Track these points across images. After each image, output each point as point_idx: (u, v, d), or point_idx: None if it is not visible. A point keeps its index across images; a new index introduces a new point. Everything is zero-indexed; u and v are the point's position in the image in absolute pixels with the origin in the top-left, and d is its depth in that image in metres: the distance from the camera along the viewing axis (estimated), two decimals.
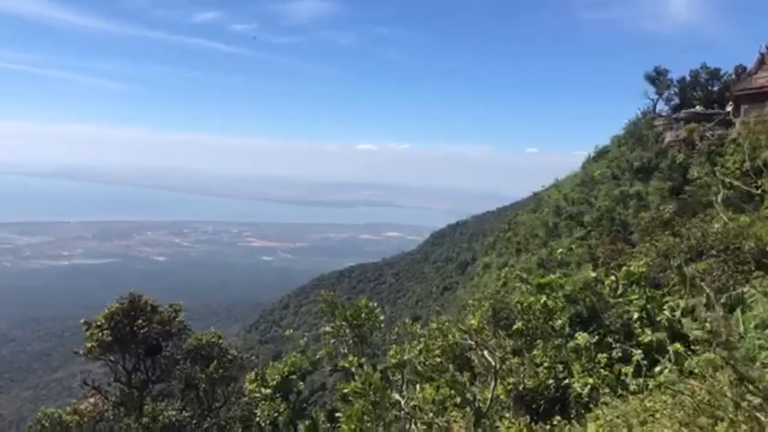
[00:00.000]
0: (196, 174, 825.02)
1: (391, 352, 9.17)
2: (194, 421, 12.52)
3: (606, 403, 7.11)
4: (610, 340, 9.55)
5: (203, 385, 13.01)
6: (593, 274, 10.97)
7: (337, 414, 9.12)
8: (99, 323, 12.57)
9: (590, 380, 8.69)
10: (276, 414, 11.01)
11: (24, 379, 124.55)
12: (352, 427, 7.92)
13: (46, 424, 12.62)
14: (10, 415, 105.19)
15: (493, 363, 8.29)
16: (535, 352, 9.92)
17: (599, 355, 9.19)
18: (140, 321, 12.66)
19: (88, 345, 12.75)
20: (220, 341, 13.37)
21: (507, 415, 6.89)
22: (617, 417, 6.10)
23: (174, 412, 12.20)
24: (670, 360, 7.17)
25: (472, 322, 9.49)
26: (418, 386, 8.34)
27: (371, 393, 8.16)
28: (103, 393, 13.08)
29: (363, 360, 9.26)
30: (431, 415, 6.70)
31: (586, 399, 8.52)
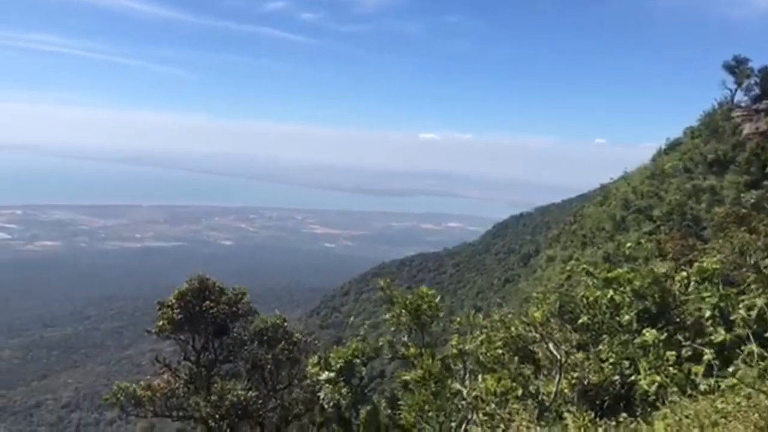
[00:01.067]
0: (263, 161, 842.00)
1: (453, 342, 9.18)
2: (260, 401, 12.91)
3: (674, 402, 6.93)
4: (679, 337, 9.26)
5: (268, 367, 13.40)
6: (663, 270, 10.64)
7: (399, 402, 9.23)
8: (170, 303, 13.10)
9: (658, 378, 8.46)
10: (338, 397, 11.22)
11: (98, 354, 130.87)
12: (413, 415, 8.02)
13: (121, 398, 13.25)
14: (84, 389, 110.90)
15: (558, 356, 8.19)
16: (600, 347, 9.73)
17: (668, 353, 8.92)
18: (208, 302, 13.11)
19: (160, 323, 13.29)
20: (285, 324, 13.71)
21: (571, 409, 6.80)
22: (686, 417, 5.94)
23: (240, 392, 12.62)
24: (744, 361, 6.91)
25: (536, 314, 9.39)
26: (479, 377, 8.33)
27: (432, 382, 8.22)
28: (173, 371, 13.63)
29: (423, 349, 9.31)
30: (493, 406, 6.70)
31: (653, 397, 8.30)
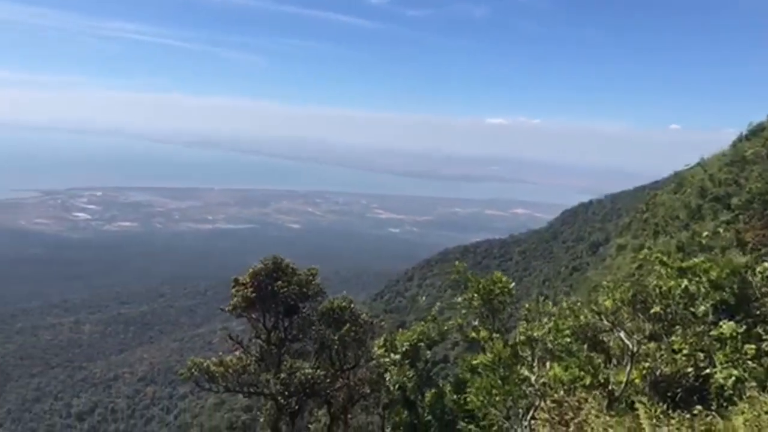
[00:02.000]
0: (329, 146, 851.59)
1: (521, 329, 9.14)
2: (327, 381, 13.22)
3: (753, 398, 6.69)
4: (759, 330, 8.91)
5: (335, 347, 13.68)
6: (743, 260, 10.23)
7: (465, 386, 9.26)
8: (244, 281, 13.53)
9: (735, 372, 8.18)
10: (404, 380, 11.36)
11: (171, 331, 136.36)
12: (480, 399, 8.04)
13: (195, 373, 13.80)
14: (159, 363, 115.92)
15: (629, 346, 8.04)
16: (673, 338, 9.48)
17: (746, 346, 8.61)
18: (281, 282, 13.47)
19: (234, 301, 13.76)
20: (352, 306, 13.94)
21: (642, 399, 6.67)
22: (767, 413, 5.75)
23: (309, 371, 12.94)
24: None
25: (606, 303, 9.22)
26: (547, 364, 8.28)
27: (500, 367, 8.21)
28: (244, 348, 14.11)
29: (494, 334, 9.31)
30: (561, 393, 6.65)
31: (730, 391, 8.05)
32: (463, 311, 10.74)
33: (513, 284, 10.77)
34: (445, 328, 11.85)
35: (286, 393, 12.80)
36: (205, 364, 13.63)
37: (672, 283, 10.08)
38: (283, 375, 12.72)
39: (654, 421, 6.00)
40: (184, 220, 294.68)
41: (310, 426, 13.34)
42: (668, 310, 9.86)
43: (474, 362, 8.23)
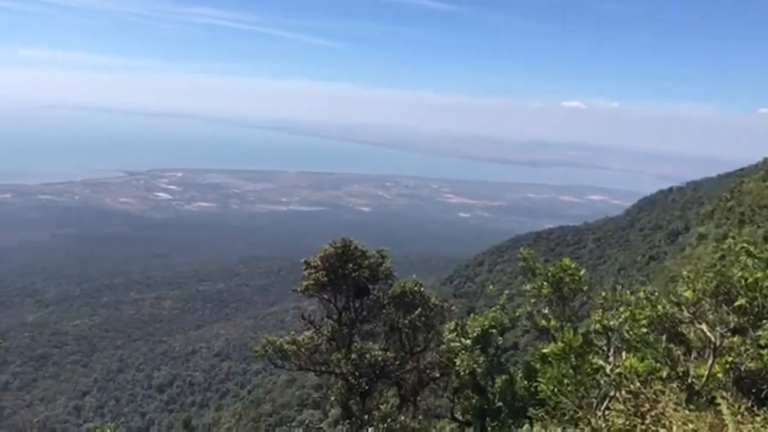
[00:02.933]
0: (400, 130, 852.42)
1: (596, 317, 8.93)
2: (397, 363, 13.36)
3: None
4: None
5: (405, 330, 13.78)
6: None
7: (536, 374, 9.15)
8: (315, 263, 13.81)
9: None
10: (474, 365, 11.35)
11: (246, 309, 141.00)
12: (551, 388, 7.93)
13: (269, 350, 14.22)
14: (234, 340, 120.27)
15: (712, 338, 7.72)
16: (760, 332, 9.03)
17: None
18: (351, 264, 13.67)
19: (305, 283, 14.06)
20: (422, 289, 14.00)
21: (725, 395, 6.41)
22: None
23: (379, 352, 13.12)
24: None
25: (687, 294, 8.87)
26: (623, 354, 8.07)
27: (572, 356, 8.06)
28: (317, 327, 14.42)
29: (565, 323, 9.13)
30: (638, 384, 6.47)
31: None
32: (532, 299, 10.58)
33: (584, 272, 10.49)
34: (516, 314, 11.73)
35: (357, 373, 13.02)
36: (278, 342, 14.01)
37: (759, 274, 9.59)
38: (354, 355, 12.94)
39: (738, 417, 5.75)
40: (258, 201, 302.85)
41: (381, 407, 13.54)
42: (755, 303, 9.40)
43: (544, 351, 8.09)
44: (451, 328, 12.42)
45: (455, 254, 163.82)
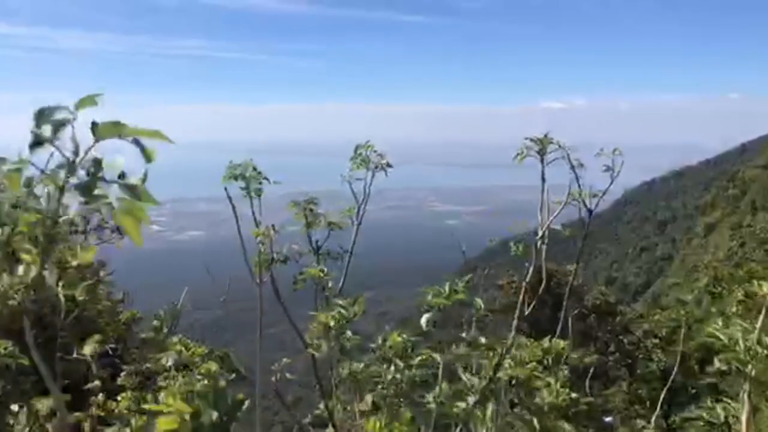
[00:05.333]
0: (382, 143, 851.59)
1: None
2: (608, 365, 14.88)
3: None
4: None
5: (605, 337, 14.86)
6: None
7: None
8: (517, 285, 15.10)
9: None
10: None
11: (244, 333, 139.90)
12: None
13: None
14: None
15: None
16: None
17: None
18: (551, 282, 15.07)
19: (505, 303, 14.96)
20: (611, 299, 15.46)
21: None
22: None
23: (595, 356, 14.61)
24: None
25: None
26: None
27: None
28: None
29: None
30: None
31: None
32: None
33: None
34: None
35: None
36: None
37: None
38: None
39: None
40: (246, 226, 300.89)
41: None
42: None
43: None
44: (645, 328, 13.47)
45: (446, 261, 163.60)
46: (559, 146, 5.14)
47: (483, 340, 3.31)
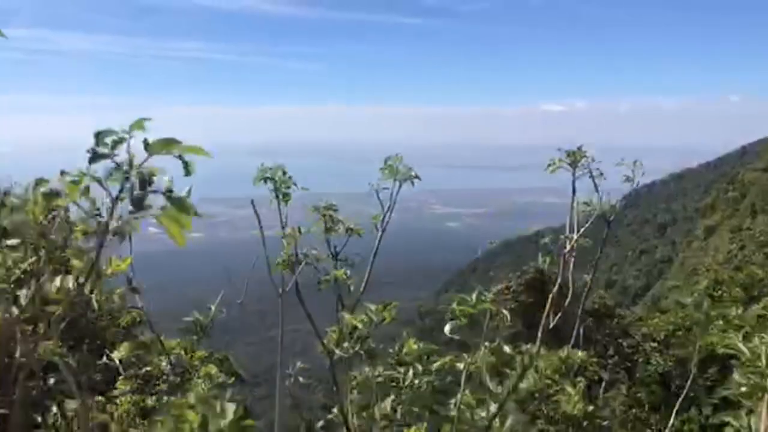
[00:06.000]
0: (381, 145, 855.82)
1: None
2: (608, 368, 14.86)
3: None
4: None
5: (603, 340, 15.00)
6: None
7: None
8: (519, 288, 14.95)
9: None
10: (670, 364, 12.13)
11: (245, 335, 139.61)
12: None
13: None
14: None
15: None
16: None
17: None
18: (550, 285, 15.06)
19: (510, 305, 15.03)
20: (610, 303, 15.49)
21: None
22: None
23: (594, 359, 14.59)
24: None
25: None
26: None
27: None
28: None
29: None
30: None
31: None
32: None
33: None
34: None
35: None
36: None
37: None
38: None
39: None
40: (246, 228, 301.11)
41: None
42: None
43: None
44: (644, 331, 13.47)
45: (447, 263, 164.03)
46: (592, 159, 5.26)
47: (507, 349, 3.32)
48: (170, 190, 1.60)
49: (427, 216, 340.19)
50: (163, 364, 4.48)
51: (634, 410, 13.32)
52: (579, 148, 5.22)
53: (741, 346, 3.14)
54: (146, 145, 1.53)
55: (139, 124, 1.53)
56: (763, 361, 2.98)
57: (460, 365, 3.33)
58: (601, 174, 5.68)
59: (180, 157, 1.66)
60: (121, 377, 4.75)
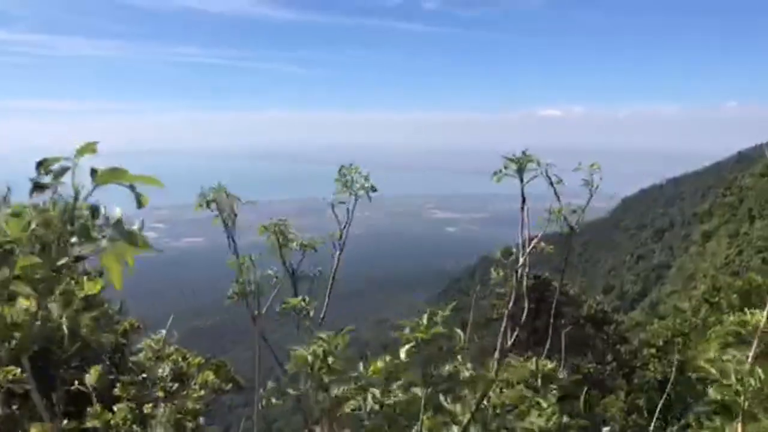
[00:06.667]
0: (381, 150, 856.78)
1: None
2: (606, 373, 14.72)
3: None
4: None
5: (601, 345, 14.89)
6: None
7: None
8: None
9: None
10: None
11: (243, 340, 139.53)
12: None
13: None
14: (234, 372, 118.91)
15: None
16: None
17: None
18: (547, 292, 14.85)
19: (505, 311, 15.05)
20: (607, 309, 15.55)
21: None
22: None
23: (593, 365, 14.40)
24: None
25: None
26: None
27: None
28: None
29: None
30: None
31: None
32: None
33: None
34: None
35: None
36: None
37: None
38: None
39: None
40: (245, 232, 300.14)
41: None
42: None
43: None
44: (643, 339, 13.44)
45: (446, 268, 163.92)
46: (538, 164, 4.95)
47: (466, 373, 3.22)
48: (121, 222, 1.44)
49: (426, 220, 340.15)
50: (161, 370, 4.47)
51: (633, 416, 13.28)
52: (524, 153, 4.96)
53: (708, 367, 3.12)
54: (93, 174, 1.39)
55: (88, 148, 1.41)
56: (733, 378, 2.97)
57: (418, 391, 3.23)
58: (560, 180, 5.40)
59: (132, 187, 1.46)
60: (119, 384, 4.73)
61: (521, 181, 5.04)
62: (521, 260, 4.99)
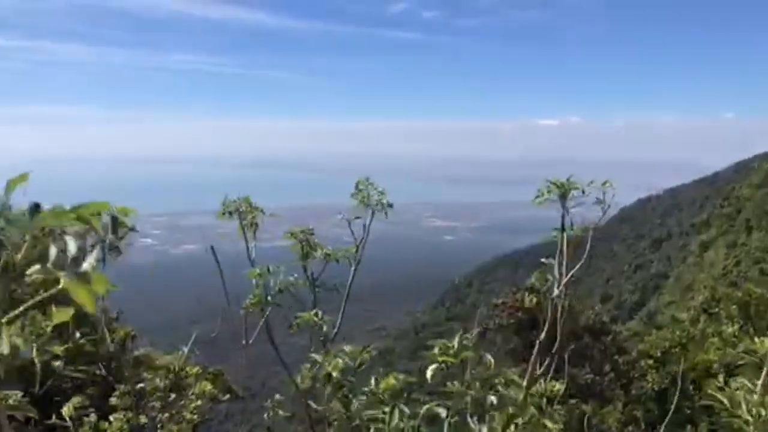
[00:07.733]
0: (378, 159, 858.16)
1: None
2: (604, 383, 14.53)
3: None
4: None
5: (598, 356, 14.85)
6: None
7: None
8: (515, 305, 14.68)
9: None
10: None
11: (240, 348, 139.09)
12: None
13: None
14: (230, 380, 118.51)
15: None
16: None
17: None
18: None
19: (500, 323, 14.89)
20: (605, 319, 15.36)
21: None
22: None
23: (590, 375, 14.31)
24: None
25: None
26: None
27: None
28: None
29: None
30: None
31: None
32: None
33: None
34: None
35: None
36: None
37: None
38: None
39: None
40: (243, 240, 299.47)
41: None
42: None
43: None
44: (641, 348, 13.43)
45: (443, 277, 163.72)
46: (583, 192, 4.81)
47: (493, 401, 3.16)
48: (77, 260, 1.28)
49: (424, 228, 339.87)
50: (158, 380, 4.43)
51: (630, 428, 13.23)
52: (568, 180, 4.78)
53: (719, 396, 3.09)
54: (33, 213, 1.21)
55: (21, 179, 1.26)
56: (743, 407, 2.94)
57: (442, 411, 3.17)
58: (602, 202, 5.16)
59: (113, 218, 1.35)
60: (116, 393, 4.70)
61: (563, 207, 4.86)
62: (556, 291, 4.78)
